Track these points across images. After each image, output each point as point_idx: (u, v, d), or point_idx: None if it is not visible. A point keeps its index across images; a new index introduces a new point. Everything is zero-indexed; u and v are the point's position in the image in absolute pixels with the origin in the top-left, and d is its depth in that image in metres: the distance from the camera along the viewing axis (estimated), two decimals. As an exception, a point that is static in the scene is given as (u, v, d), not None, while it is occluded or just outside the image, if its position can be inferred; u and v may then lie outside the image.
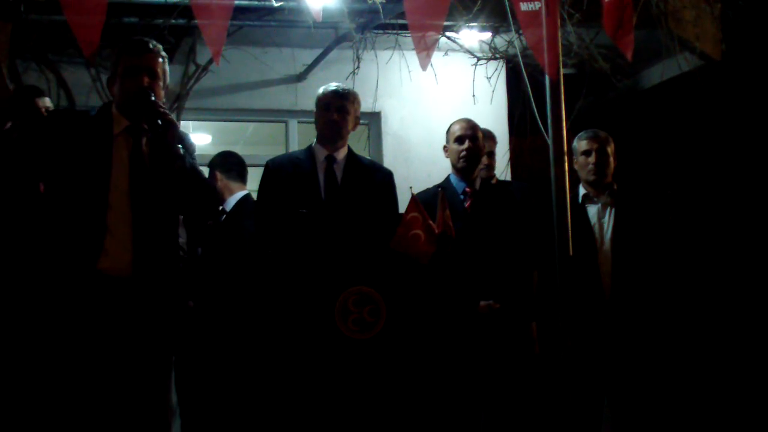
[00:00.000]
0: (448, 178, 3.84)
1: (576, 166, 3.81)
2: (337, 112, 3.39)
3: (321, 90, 3.49)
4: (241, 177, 4.19)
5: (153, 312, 2.78)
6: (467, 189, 3.76)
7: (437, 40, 3.13)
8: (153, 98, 2.76)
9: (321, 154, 3.42)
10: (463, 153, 3.73)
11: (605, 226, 3.71)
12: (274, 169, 3.42)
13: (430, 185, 3.82)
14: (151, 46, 2.85)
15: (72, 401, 2.68)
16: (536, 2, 3.06)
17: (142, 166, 2.80)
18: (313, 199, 3.32)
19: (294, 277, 3.23)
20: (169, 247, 2.89)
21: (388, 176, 3.54)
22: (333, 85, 3.48)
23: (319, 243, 3.22)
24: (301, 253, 3.23)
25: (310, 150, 3.47)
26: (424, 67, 3.04)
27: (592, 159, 3.75)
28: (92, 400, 2.68)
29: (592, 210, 3.75)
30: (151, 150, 2.83)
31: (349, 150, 3.48)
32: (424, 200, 3.49)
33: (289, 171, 3.38)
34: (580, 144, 3.83)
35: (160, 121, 2.73)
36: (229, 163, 4.19)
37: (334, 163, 3.40)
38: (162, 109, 2.75)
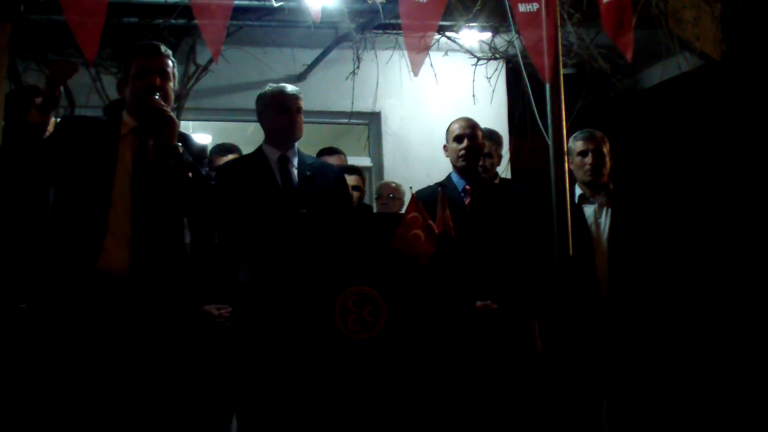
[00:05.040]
0: (449, 177, 3.84)
1: (572, 167, 3.78)
2: (298, 112, 3.38)
3: (272, 90, 3.43)
4: None
5: (149, 311, 2.79)
6: (467, 187, 3.76)
7: (430, 46, 3.14)
8: (156, 96, 2.78)
9: (273, 155, 3.39)
10: (462, 152, 3.74)
11: (602, 226, 3.71)
12: (227, 175, 3.38)
13: (430, 184, 3.83)
14: (162, 49, 2.89)
15: (67, 400, 2.69)
16: (534, 3, 3.06)
17: (145, 166, 2.83)
18: (273, 200, 3.28)
19: (289, 279, 3.21)
20: (169, 246, 2.89)
21: (339, 173, 3.55)
22: (288, 87, 3.43)
23: (303, 243, 3.18)
24: (290, 254, 3.20)
25: (260, 152, 3.44)
26: (416, 73, 3.06)
27: (588, 159, 3.74)
28: (86, 398, 2.69)
29: (589, 210, 3.74)
30: (155, 150, 2.84)
31: (297, 149, 3.45)
32: (424, 198, 3.48)
33: (243, 175, 3.34)
34: (576, 144, 3.81)
35: (158, 117, 2.75)
36: None
37: (288, 163, 3.38)
38: (161, 106, 2.78)
